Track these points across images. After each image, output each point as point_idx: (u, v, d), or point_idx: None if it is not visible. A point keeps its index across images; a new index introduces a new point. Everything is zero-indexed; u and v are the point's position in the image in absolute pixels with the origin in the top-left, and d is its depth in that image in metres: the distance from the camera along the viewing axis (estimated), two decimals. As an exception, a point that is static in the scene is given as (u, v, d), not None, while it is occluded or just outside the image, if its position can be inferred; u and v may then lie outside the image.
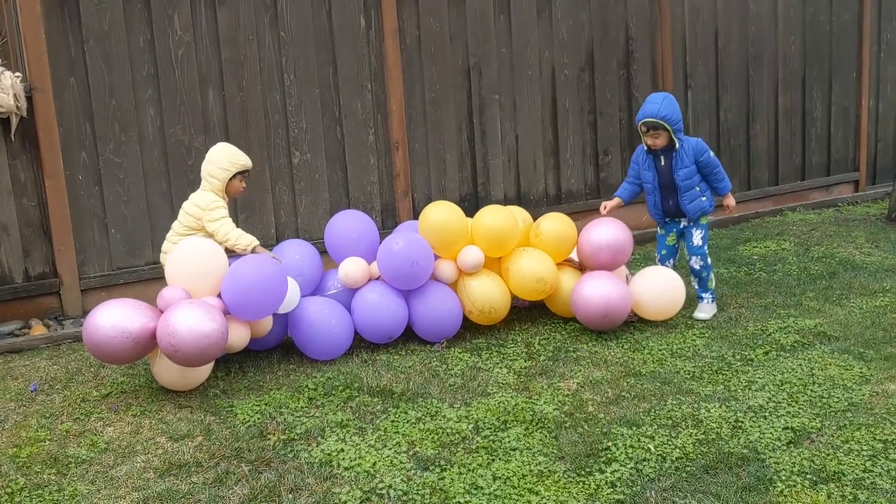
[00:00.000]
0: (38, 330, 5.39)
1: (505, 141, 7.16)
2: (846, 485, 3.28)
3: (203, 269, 4.30)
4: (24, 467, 3.60)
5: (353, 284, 4.85)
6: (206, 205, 4.67)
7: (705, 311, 5.22)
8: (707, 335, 4.92)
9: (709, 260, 5.24)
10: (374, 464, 3.53)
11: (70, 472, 3.56)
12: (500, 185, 7.16)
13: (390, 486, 3.35)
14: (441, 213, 4.96)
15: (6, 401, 4.33)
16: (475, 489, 3.32)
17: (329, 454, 3.62)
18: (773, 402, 4.01)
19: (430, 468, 3.49)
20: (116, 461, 3.65)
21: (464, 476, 3.41)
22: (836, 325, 5.01)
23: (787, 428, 3.73)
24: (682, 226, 5.28)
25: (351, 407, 4.09)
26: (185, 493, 3.35)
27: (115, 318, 4.02)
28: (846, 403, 3.97)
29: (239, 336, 4.35)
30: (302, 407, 4.10)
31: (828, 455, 3.50)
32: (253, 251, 4.61)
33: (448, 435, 3.76)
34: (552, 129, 7.37)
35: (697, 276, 5.26)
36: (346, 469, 3.51)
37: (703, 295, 5.26)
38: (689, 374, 4.39)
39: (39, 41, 5.39)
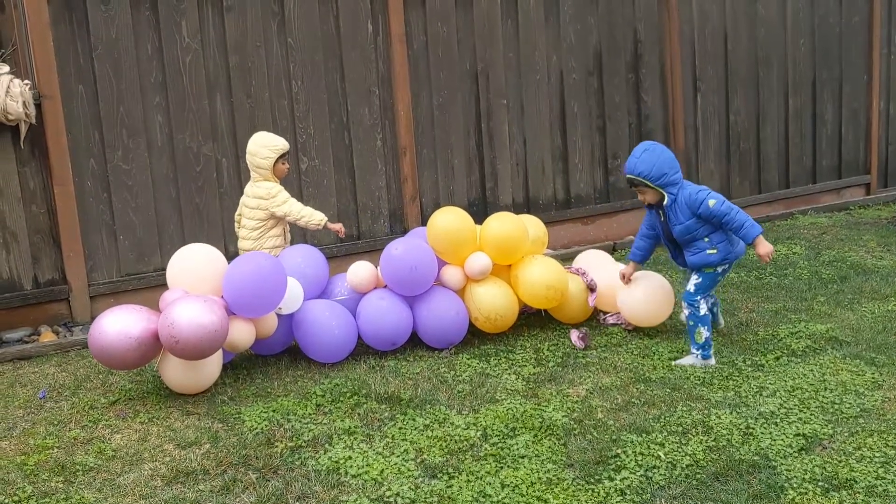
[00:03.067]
0: (47, 337, 5.40)
1: (513, 145, 7.15)
2: (858, 492, 3.24)
3: (203, 272, 4.36)
4: (32, 475, 3.60)
5: (361, 288, 4.84)
6: (265, 193, 5.04)
7: (686, 360, 4.61)
8: (717, 341, 4.89)
9: (701, 311, 4.55)
10: (382, 471, 3.51)
11: (77, 480, 3.56)
12: (508, 189, 7.14)
13: (398, 494, 3.33)
14: (448, 219, 4.95)
15: (15, 408, 4.34)
16: (483, 497, 3.30)
17: (336, 461, 3.61)
18: (785, 408, 3.97)
19: (438, 476, 3.47)
20: (124, 469, 3.64)
21: (472, 484, 3.39)
22: (847, 329, 4.96)
23: (798, 434, 3.69)
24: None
25: (358, 414, 4.07)
26: (193, 501, 3.34)
27: (118, 323, 4.04)
28: (858, 409, 3.93)
29: (243, 334, 4.36)
30: (309, 414, 4.09)
31: (840, 462, 3.46)
32: (325, 227, 5.11)
33: (456, 442, 3.74)
34: (560, 133, 7.35)
35: (688, 321, 4.65)
36: (353, 476, 3.49)
37: (693, 349, 4.59)
38: (698, 379, 4.35)
39: (48, 49, 5.41)
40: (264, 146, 5.04)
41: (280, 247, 5.16)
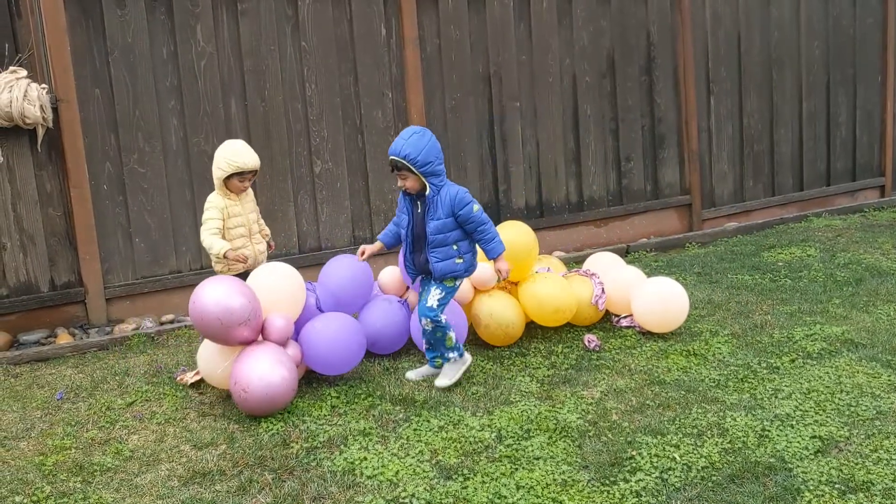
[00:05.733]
0: (63, 338, 5.44)
1: (526, 148, 7.15)
2: (875, 494, 3.23)
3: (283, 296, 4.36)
4: (50, 475, 3.63)
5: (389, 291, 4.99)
6: (205, 205, 4.56)
7: (447, 375, 4.35)
8: (732, 343, 4.88)
9: (443, 320, 4.31)
10: (397, 472, 3.52)
11: (95, 480, 3.58)
12: (521, 192, 7.15)
13: (413, 495, 3.34)
14: (512, 234, 4.94)
15: (32, 409, 4.37)
16: (499, 498, 3.30)
17: (352, 462, 3.62)
18: (800, 410, 3.96)
19: (453, 477, 3.47)
20: (141, 469, 3.67)
21: (487, 485, 3.39)
22: (863, 332, 4.94)
23: (814, 437, 3.68)
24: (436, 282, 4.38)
25: (373, 415, 4.08)
26: (209, 502, 3.36)
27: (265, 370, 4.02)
28: (874, 412, 3.91)
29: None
30: (324, 415, 4.11)
31: (856, 464, 3.45)
32: (225, 256, 4.45)
33: (471, 443, 3.75)
34: (573, 135, 7.35)
35: (427, 339, 4.37)
36: (368, 477, 3.50)
37: (449, 355, 4.36)
38: (713, 382, 4.34)
39: (64, 53, 5.46)
40: (224, 157, 4.48)
41: (247, 253, 4.61)
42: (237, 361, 4.07)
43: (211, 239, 4.48)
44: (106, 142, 5.68)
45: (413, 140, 4.16)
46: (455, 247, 4.29)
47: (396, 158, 4.16)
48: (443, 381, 4.34)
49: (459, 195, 4.25)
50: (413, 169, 4.15)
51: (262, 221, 4.83)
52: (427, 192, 4.22)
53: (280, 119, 6.17)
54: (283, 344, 4.22)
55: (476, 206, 4.28)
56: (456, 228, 4.28)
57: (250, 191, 4.71)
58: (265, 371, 3.97)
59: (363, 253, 4.53)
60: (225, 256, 4.46)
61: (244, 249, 4.57)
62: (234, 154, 4.49)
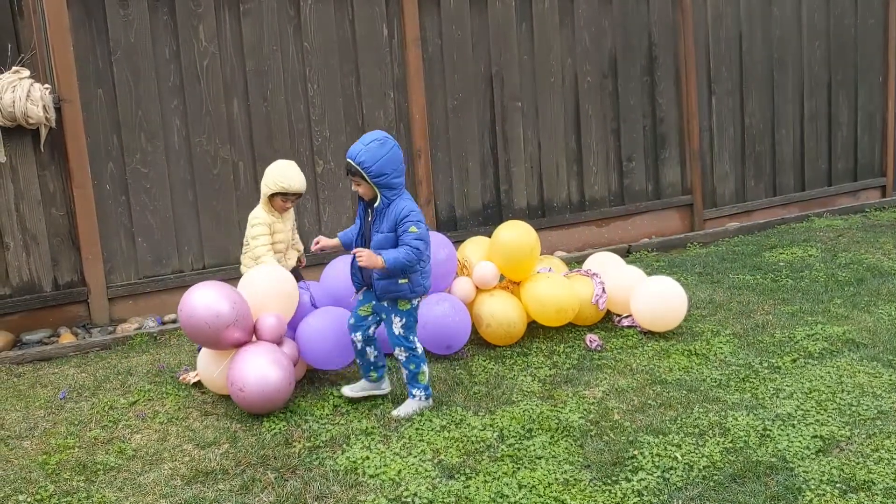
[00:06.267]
0: (66, 338, 5.45)
1: (527, 148, 7.16)
2: (876, 494, 3.23)
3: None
4: (54, 474, 3.65)
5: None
6: (250, 219, 4.70)
7: (408, 408, 4.12)
8: (733, 343, 4.88)
9: (419, 349, 4.13)
10: (400, 471, 3.53)
11: (98, 479, 3.59)
12: (522, 192, 7.15)
13: (415, 494, 3.35)
14: (512, 235, 4.97)
15: (35, 408, 4.38)
16: (501, 497, 3.31)
17: (354, 462, 3.63)
18: (802, 410, 3.96)
19: (456, 476, 3.48)
20: (144, 468, 3.68)
21: (489, 484, 3.40)
22: (864, 332, 4.94)
23: (815, 436, 3.69)
24: (379, 302, 4.10)
25: (375, 415, 4.09)
26: (212, 501, 3.37)
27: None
28: (875, 411, 3.92)
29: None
30: (327, 414, 4.12)
31: (857, 464, 3.45)
32: None
33: (473, 443, 3.76)
34: (575, 136, 7.36)
35: (405, 368, 4.15)
36: (371, 477, 3.51)
37: (414, 391, 4.14)
38: (715, 381, 4.35)
39: (67, 53, 5.47)
40: (272, 176, 4.58)
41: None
42: (233, 362, 4.10)
43: (267, 256, 4.59)
44: (109, 142, 5.69)
45: (372, 147, 3.89)
46: None
47: (351, 163, 3.91)
48: (400, 411, 4.09)
49: (404, 212, 3.92)
50: (365, 177, 3.89)
51: (297, 237, 4.96)
52: (377, 203, 3.95)
53: (282, 119, 6.18)
54: (277, 342, 4.24)
55: (414, 229, 3.90)
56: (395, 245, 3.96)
57: (292, 209, 4.81)
58: (259, 368, 4.01)
59: (318, 243, 4.27)
60: None
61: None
62: (282, 176, 4.57)
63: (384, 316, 4.11)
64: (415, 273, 4.00)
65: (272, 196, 4.59)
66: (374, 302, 4.11)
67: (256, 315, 4.25)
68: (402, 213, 3.92)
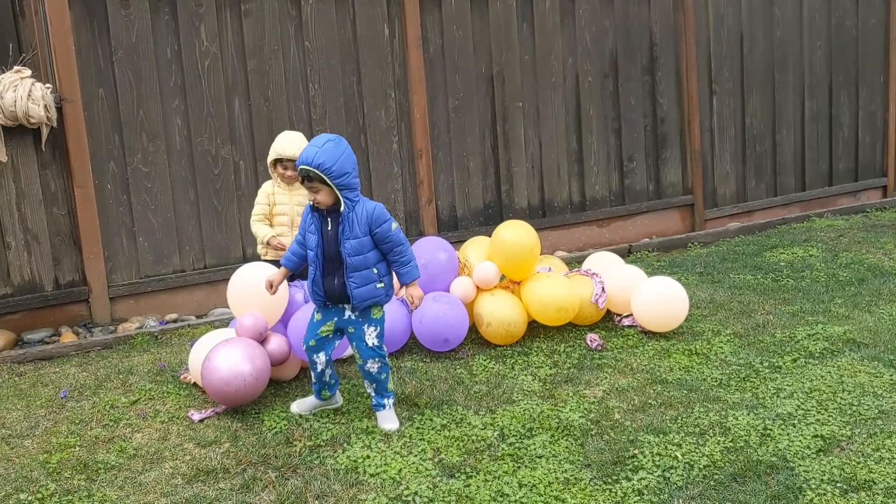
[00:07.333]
0: (67, 337, 5.46)
1: (528, 148, 7.16)
2: (877, 493, 3.24)
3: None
4: (55, 473, 3.65)
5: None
6: (261, 189, 4.99)
7: (390, 420, 3.97)
8: (734, 342, 4.88)
9: (386, 358, 4.00)
10: (400, 470, 3.54)
11: (99, 478, 3.60)
12: (523, 192, 7.16)
13: (416, 493, 3.35)
14: (514, 234, 4.99)
15: (37, 407, 4.39)
16: (501, 496, 3.32)
17: (355, 461, 3.63)
18: (802, 409, 3.96)
19: (456, 475, 3.49)
20: (145, 467, 3.68)
21: (489, 483, 3.41)
22: (865, 332, 4.94)
23: (816, 436, 3.69)
24: (346, 316, 3.91)
25: (376, 414, 4.09)
26: (213, 499, 3.38)
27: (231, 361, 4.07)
28: (876, 411, 3.92)
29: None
30: (328, 413, 4.12)
31: (858, 463, 3.45)
32: (268, 243, 4.86)
33: (473, 442, 3.76)
34: (576, 136, 7.36)
35: (375, 381, 3.96)
36: (371, 476, 3.52)
37: (384, 402, 3.99)
38: (716, 381, 4.35)
39: (69, 53, 5.48)
40: (273, 145, 4.86)
41: (285, 241, 4.86)
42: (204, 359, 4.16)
43: (256, 226, 4.92)
44: (110, 141, 5.70)
45: (328, 148, 3.67)
46: (375, 270, 3.82)
47: (308, 168, 3.65)
48: (391, 425, 3.95)
49: (377, 211, 3.78)
50: (327, 181, 3.67)
51: None
52: (342, 209, 3.73)
53: (283, 119, 6.19)
54: (258, 339, 4.27)
55: (394, 225, 3.82)
56: (374, 249, 3.81)
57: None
58: (215, 360, 4.08)
59: (271, 285, 3.99)
60: (268, 243, 4.86)
61: (283, 238, 4.86)
62: (277, 142, 4.87)
63: (352, 330, 3.91)
64: (387, 276, 3.90)
65: (274, 166, 4.86)
66: (336, 319, 3.92)
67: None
68: (374, 213, 3.78)
